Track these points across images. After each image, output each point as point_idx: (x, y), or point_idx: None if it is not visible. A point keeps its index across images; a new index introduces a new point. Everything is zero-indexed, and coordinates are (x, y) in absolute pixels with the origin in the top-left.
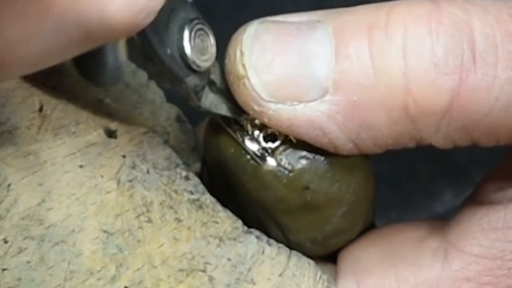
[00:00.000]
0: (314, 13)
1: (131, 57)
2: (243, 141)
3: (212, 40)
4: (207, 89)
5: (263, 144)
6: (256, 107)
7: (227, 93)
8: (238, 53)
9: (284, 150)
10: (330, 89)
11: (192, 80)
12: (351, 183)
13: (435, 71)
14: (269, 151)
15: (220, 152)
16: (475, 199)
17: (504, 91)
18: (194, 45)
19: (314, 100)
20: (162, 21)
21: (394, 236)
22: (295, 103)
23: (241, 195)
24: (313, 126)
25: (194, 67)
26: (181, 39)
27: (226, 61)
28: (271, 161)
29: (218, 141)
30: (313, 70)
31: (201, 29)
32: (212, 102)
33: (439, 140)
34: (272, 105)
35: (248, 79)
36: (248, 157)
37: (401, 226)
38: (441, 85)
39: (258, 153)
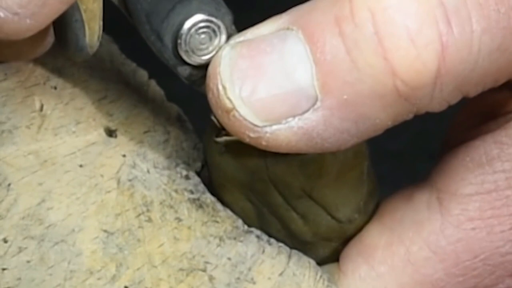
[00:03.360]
0: (282, 18)
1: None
2: None
3: (220, 40)
4: None
5: None
6: (252, 135)
7: None
8: (220, 87)
9: None
10: (318, 95)
11: (186, 70)
12: None
13: (415, 46)
14: None
15: (245, 170)
16: (449, 143)
17: (483, 42)
18: (189, 40)
19: (307, 110)
20: (160, 10)
21: (383, 208)
22: (290, 119)
23: (264, 197)
24: (311, 136)
25: (188, 61)
26: (177, 31)
27: (210, 96)
28: None
29: (239, 161)
30: (297, 82)
31: (207, 26)
32: None
33: (435, 106)
34: (267, 129)
35: (237, 111)
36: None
37: (385, 199)
38: (425, 57)
39: None
